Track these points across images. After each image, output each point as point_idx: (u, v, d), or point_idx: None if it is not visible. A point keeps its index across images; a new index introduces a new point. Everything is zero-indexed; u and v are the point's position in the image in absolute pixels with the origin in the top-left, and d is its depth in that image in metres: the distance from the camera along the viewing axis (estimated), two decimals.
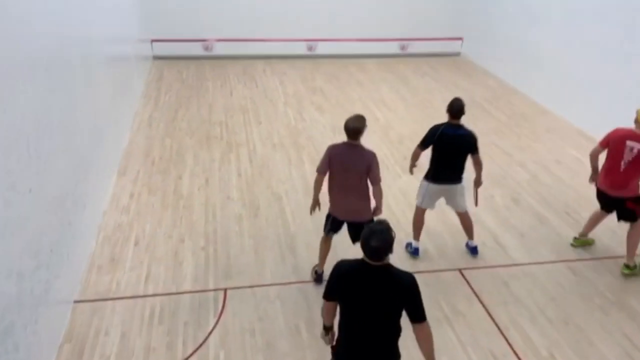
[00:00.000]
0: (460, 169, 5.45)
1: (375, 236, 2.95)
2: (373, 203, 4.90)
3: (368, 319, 3.11)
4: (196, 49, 12.69)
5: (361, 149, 4.72)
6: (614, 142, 5.37)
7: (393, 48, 13.56)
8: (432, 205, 5.66)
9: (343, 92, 10.88)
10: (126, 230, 6.06)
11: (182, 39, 12.48)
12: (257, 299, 5.11)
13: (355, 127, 4.63)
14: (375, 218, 4.57)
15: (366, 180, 4.75)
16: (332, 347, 3.46)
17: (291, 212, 6.55)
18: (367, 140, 9.13)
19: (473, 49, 13.45)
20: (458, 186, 5.51)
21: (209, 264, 5.56)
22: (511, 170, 7.81)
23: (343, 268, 3.18)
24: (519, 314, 5.03)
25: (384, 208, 4.99)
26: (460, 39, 13.78)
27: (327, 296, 3.31)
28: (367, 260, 3.02)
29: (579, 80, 9.41)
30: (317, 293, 5.19)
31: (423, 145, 5.44)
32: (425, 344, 3.15)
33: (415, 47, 13.62)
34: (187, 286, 5.24)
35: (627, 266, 5.58)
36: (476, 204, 5.84)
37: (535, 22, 10.71)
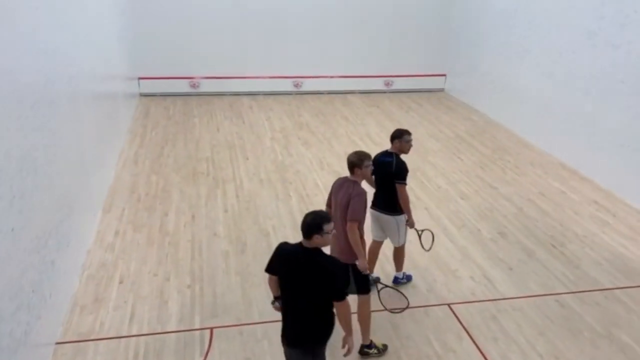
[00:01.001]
0: (387, 197, 5.34)
1: (311, 214, 3.58)
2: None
3: (300, 294, 3.61)
4: (183, 86, 12.80)
5: (352, 184, 4.54)
6: None
7: (378, 84, 13.80)
8: (378, 235, 5.64)
9: (329, 127, 10.98)
10: (110, 268, 5.96)
11: (169, 76, 12.60)
12: (244, 338, 5.02)
13: (349, 160, 4.60)
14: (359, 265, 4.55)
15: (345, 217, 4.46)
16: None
17: None
18: None
19: (456, 84, 13.73)
20: (387, 217, 5.41)
21: (194, 302, 5.47)
22: (497, 203, 7.86)
23: (283, 248, 3.73)
24: (509, 350, 4.98)
25: (371, 241, 4.94)
26: (443, 75, 14.07)
27: (267, 270, 3.79)
28: (303, 242, 3.57)
29: (559, 114, 9.61)
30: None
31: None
32: (343, 318, 3.66)
33: (400, 84, 13.88)
34: (172, 326, 5.13)
35: None
36: (424, 247, 5.76)
37: (515, 58, 10.99)
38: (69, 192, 5.62)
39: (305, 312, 3.64)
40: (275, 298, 3.88)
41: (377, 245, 5.71)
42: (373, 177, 5.29)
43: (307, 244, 3.57)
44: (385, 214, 5.44)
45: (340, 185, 4.65)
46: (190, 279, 5.85)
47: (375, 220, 5.58)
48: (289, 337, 3.76)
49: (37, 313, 4.35)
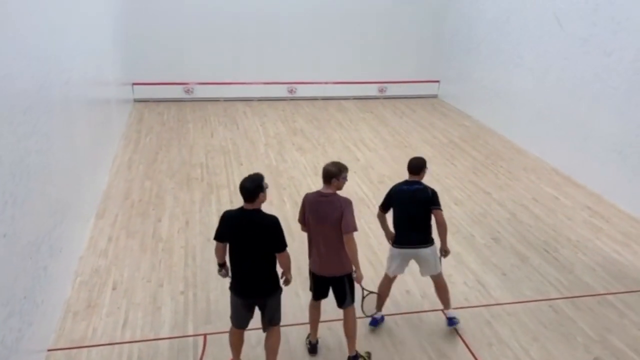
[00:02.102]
0: (422, 229, 4.95)
1: (248, 179, 4.03)
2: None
3: (246, 253, 4.10)
4: (177, 92, 12.79)
5: (334, 196, 4.42)
6: None
7: (372, 90, 13.84)
8: (400, 271, 5.18)
9: (323, 133, 10.99)
10: (104, 274, 5.93)
11: (163, 82, 12.59)
12: None
13: (328, 170, 4.40)
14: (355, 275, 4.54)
15: (340, 231, 4.36)
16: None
17: None
18: (348, 181, 9.17)
19: (449, 90, 13.79)
20: (426, 251, 4.98)
21: (188, 308, 5.45)
22: (491, 209, 7.89)
23: (227, 214, 4.20)
24: (503, 355, 4.99)
25: (366, 247, 4.93)
26: (436, 81, 14.13)
27: (217, 238, 4.21)
28: (244, 206, 4.05)
29: (552, 120, 9.67)
30: (300, 338, 5.10)
31: (383, 207, 5.08)
32: (284, 266, 4.31)
33: (394, 90, 13.93)
34: (165, 332, 5.11)
35: None
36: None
37: (508, 64, 11.06)
38: (62, 198, 5.59)
39: (253, 269, 4.15)
40: (220, 265, 4.37)
41: (391, 280, 5.25)
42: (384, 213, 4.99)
43: (249, 207, 4.06)
44: (424, 247, 4.96)
45: (319, 202, 4.41)
46: (184, 285, 5.82)
47: (403, 258, 5.07)
48: (237, 290, 4.27)
49: (29, 319, 4.32)
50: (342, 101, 13.43)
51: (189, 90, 12.85)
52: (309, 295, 5.66)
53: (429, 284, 6.01)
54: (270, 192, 8.08)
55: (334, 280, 4.60)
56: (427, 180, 8.67)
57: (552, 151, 9.69)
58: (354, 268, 4.51)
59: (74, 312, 5.29)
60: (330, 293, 4.74)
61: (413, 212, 4.93)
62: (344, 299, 4.63)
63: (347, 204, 4.38)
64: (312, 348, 4.93)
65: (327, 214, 4.37)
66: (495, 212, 7.81)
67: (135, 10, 11.83)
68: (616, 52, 8.21)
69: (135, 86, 12.47)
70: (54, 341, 4.90)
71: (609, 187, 8.33)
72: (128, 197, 7.80)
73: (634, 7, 7.90)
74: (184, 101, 12.77)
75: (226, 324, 5.20)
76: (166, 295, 5.64)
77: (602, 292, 6.00)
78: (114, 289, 5.69)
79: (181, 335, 5.08)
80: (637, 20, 7.84)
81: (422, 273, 5.18)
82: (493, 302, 5.76)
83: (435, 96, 14.23)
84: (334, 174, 4.38)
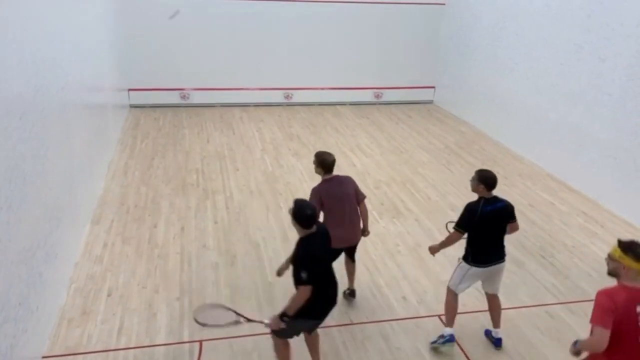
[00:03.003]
0: (501, 245, 4.99)
1: (308, 206, 4.16)
2: None
3: (329, 266, 4.39)
4: (173, 98, 12.78)
5: (340, 177, 5.31)
6: (624, 314, 3.43)
7: (368, 96, 13.87)
8: (465, 289, 5.14)
9: (320, 138, 11.00)
10: (99, 281, 5.90)
11: (159, 88, 12.58)
12: (234, 351, 4.98)
13: (334, 160, 5.28)
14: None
15: (355, 204, 5.28)
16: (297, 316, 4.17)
17: (269, 259, 6.47)
18: None
19: (445, 96, 13.84)
20: (503, 265, 5.04)
21: (184, 315, 5.42)
22: None
23: (317, 249, 4.18)
24: None
25: (362, 251, 5.08)
26: (432, 87, 14.18)
27: (311, 279, 4.08)
28: (312, 230, 4.13)
29: (547, 126, 9.71)
30: (295, 343, 5.08)
31: (463, 229, 4.92)
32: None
33: (390, 95, 13.96)
34: (161, 338, 5.08)
35: None
36: None
37: (503, 70, 11.11)
38: (57, 204, 5.57)
39: (335, 284, 4.43)
40: (297, 314, 4.24)
41: (456, 297, 5.16)
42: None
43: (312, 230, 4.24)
44: (502, 261, 5.02)
45: (339, 183, 5.24)
46: (180, 291, 5.80)
47: (480, 276, 5.04)
48: (321, 311, 4.33)
49: (23, 326, 4.29)
50: (338, 107, 13.46)
51: (185, 95, 12.85)
52: None
53: (424, 290, 6.02)
54: (266, 198, 8.09)
55: (352, 247, 5.47)
56: (423, 185, 8.78)
57: (548, 157, 9.72)
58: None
59: (68, 319, 5.26)
60: None
61: (498, 230, 4.92)
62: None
63: (351, 179, 5.42)
64: (352, 293, 5.68)
65: (349, 192, 5.24)
66: None
67: (131, 16, 11.83)
68: (610, 58, 8.26)
69: (131, 92, 12.46)
70: (48, 348, 4.87)
71: (604, 193, 8.37)
72: (124, 202, 7.77)
73: (627, 14, 7.96)
74: (180, 107, 12.76)
75: (222, 331, 5.18)
76: (162, 301, 5.62)
77: None
78: (109, 295, 5.67)
79: (177, 341, 5.05)
80: (630, 27, 7.90)
81: (491, 289, 5.16)
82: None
83: (431, 102, 14.28)
84: (335, 161, 5.33)
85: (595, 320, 3.47)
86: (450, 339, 5.03)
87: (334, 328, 5.29)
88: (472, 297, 5.91)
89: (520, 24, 10.53)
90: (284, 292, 5.84)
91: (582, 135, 8.86)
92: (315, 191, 5.15)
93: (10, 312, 4.04)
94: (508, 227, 4.96)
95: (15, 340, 4.09)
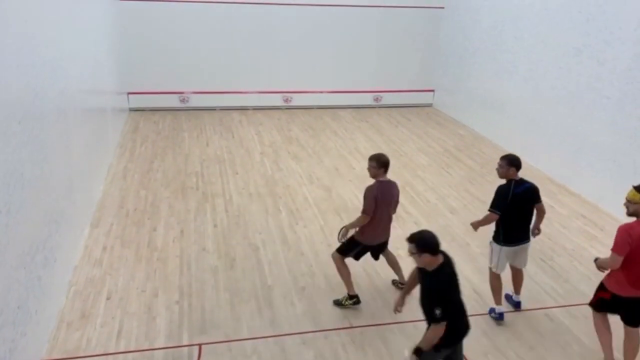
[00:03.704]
0: (530, 222, 5.49)
1: (429, 232, 3.96)
2: None
3: (459, 295, 4.07)
4: (172, 101, 12.79)
5: (391, 181, 5.57)
6: (638, 244, 4.53)
7: (367, 99, 13.88)
8: (505, 268, 5.60)
9: (319, 142, 11.01)
10: (98, 284, 5.90)
11: (159, 91, 12.59)
12: (233, 354, 4.97)
13: (388, 160, 5.46)
14: None
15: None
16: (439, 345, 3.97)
17: (268, 262, 6.47)
18: (344, 189, 9.19)
19: (444, 100, 13.85)
20: (528, 244, 5.55)
21: (183, 318, 5.42)
22: None
23: (448, 282, 3.94)
24: None
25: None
26: (431, 90, 14.20)
27: (445, 315, 3.85)
28: (440, 260, 3.92)
29: (546, 129, 9.72)
30: (295, 347, 5.08)
31: (499, 209, 5.31)
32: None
33: (389, 99, 13.98)
34: (160, 342, 5.07)
35: None
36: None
37: (502, 73, 11.12)
38: (56, 207, 5.57)
39: (463, 304, 4.17)
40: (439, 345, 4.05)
41: (499, 276, 5.61)
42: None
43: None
44: (528, 241, 5.54)
45: (390, 188, 5.51)
46: (179, 294, 5.79)
47: (511, 254, 5.53)
48: (459, 337, 4.14)
49: (22, 330, 4.28)
50: (338, 110, 13.47)
51: (184, 99, 12.86)
52: (304, 304, 5.69)
53: None
54: (266, 201, 8.09)
55: (385, 242, 5.79)
56: (422, 188, 8.79)
57: (547, 160, 9.73)
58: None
59: (68, 322, 5.25)
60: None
61: (527, 211, 5.43)
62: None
63: (398, 186, 5.69)
64: (358, 300, 5.65)
65: (395, 198, 5.60)
66: None
67: (130, 20, 11.85)
68: (609, 62, 8.28)
69: (130, 95, 12.47)
70: (47, 352, 4.86)
71: (604, 196, 8.37)
72: (123, 206, 7.77)
73: (626, 17, 7.97)
74: (180, 110, 12.77)
75: (222, 333, 5.20)
76: (161, 305, 5.61)
77: None
78: (108, 298, 5.66)
79: (176, 345, 5.05)
80: (629, 30, 7.92)
81: (518, 264, 5.67)
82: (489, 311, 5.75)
83: (430, 105, 14.29)
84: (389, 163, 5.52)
85: (614, 248, 4.60)
86: (500, 317, 5.55)
87: (334, 332, 5.29)
88: (471, 300, 5.91)
89: (520, 28, 10.54)
90: (283, 295, 5.85)
91: (582, 138, 8.87)
92: (370, 189, 5.37)
93: (9, 315, 4.03)
94: (536, 209, 5.47)
95: (14, 344, 4.09)
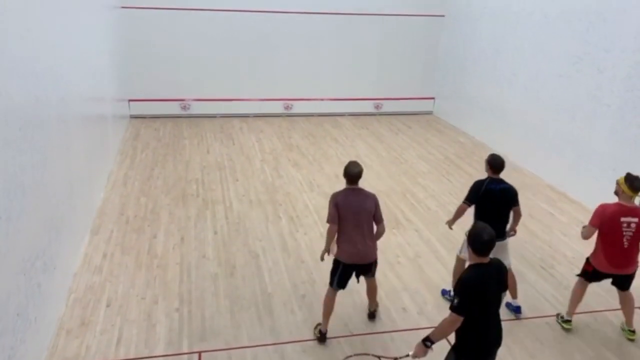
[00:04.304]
0: (505, 223, 5.60)
1: (486, 231, 3.64)
2: None
3: (493, 306, 3.82)
4: (173, 108, 12.81)
5: (364, 191, 5.09)
6: (609, 221, 5.15)
7: (368, 107, 13.91)
8: None
9: (319, 149, 11.02)
10: (98, 291, 5.88)
11: (160, 98, 12.62)
12: None
13: (359, 171, 5.03)
14: None
15: (372, 221, 5.07)
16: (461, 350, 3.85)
17: (268, 270, 6.46)
18: None
19: (444, 107, 13.88)
20: (504, 242, 5.57)
21: (183, 325, 5.40)
22: None
23: (480, 278, 3.66)
24: None
25: (378, 253, 5.24)
26: (432, 98, 14.23)
27: (463, 309, 3.66)
28: (483, 259, 3.66)
29: (546, 137, 9.73)
30: (295, 355, 5.06)
31: (469, 201, 5.56)
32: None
33: (389, 106, 14.01)
34: (160, 349, 5.05)
35: (632, 331, 5.50)
36: None
37: (502, 81, 11.15)
38: (56, 214, 5.57)
39: (498, 319, 3.94)
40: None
41: (464, 263, 5.70)
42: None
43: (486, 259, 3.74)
44: (503, 239, 5.57)
45: (359, 195, 5.05)
46: (179, 302, 5.78)
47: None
48: (494, 347, 3.97)
49: (21, 337, 4.27)
50: (338, 117, 13.49)
51: (185, 106, 12.89)
52: (304, 312, 5.66)
53: (425, 300, 6.00)
54: (266, 208, 8.09)
55: (366, 266, 5.21)
56: (423, 195, 8.78)
57: (547, 168, 9.73)
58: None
59: (67, 330, 5.24)
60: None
61: (503, 209, 5.56)
62: (373, 272, 5.37)
63: (375, 196, 5.15)
64: (322, 337, 5.22)
65: (367, 207, 5.03)
66: None
67: (132, 27, 11.90)
68: (609, 70, 8.30)
69: (131, 102, 12.50)
70: (46, 359, 4.84)
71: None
72: (123, 213, 7.77)
73: (625, 26, 8.00)
74: (180, 117, 12.80)
75: (222, 341, 5.18)
76: (161, 312, 5.59)
77: (599, 308, 5.99)
78: (108, 306, 5.65)
79: (176, 352, 5.03)
80: (629, 39, 7.94)
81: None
82: None
83: (430, 113, 14.32)
84: (362, 173, 5.08)
85: (590, 220, 5.30)
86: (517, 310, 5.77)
87: (334, 339, 5.27)
88: None
89: (520, 36, 10.58)
90: (284, 302, 5.83)
91: (582, 146, 8.87)
92: (333, 196, 5.06)
93: (9, 323, 4.02)
94: (512, 213, 5.59)
95: (13, 352, 4.07)
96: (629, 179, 5.19)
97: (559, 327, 5.66)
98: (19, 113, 4.54)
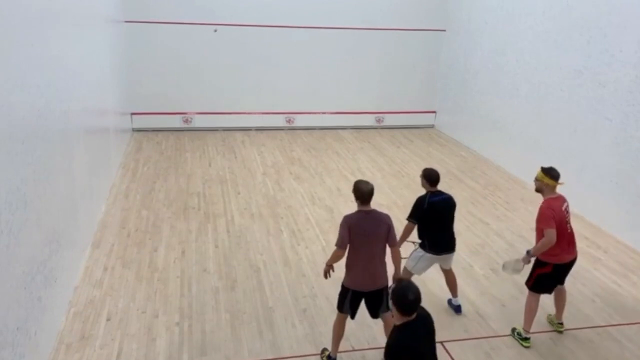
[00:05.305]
0: (452, 234, 5.74)
1: (411, 289, 3.36)
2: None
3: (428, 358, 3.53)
4: (175, 122, 12.86)
5: (378, 214, 4.78)
6: (559, 215, 5.31)
7: (369, 120, 13.95)
8: (423, 272, 5.81)
9: (321, 162, 11.03)
10: (98, 305, 5.86)
11: (162, 112, 12.68)
12: None
13: (371, 188, 4.72)
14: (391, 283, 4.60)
15: (385, 245, 4.77)
16: None
17: (269, 284, 6.43)
18: (346, 209, 9.16)
19: (446, 121, 13.91)
20: (453, 254, 5.82)
21: (183, 340, 5.37)
22: (489, 239, 7.86)
23: (410, 339, 3.38)
24: None
25: None
26: (433, 112, 14.26)
27: None
28: (409, 318, 3.38)
29: (548, 151, 9.72)
30: None
31: (415, 218, 5.59)
32: None
33: (391, 120, 14.04)
34: None
35: (561, 324, 5.79)
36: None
37: (504, 95, 11.18)
38: (58, 227, 5.56)
39: None
40: None
41: (410, 277, 5.79)
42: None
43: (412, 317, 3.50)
44: (453, 252, 5.79)
45: (372, 219, 4.71)
46: (179, 316, 5.75)
47: (436, 261, 5.77)
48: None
49: (21, 351, 4.24)
50: (340, 131, 13.52)
51: (187, 120, 12.94)
52: (305, 326, 5.63)
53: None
54: (267, 222, 8.07)
55: (377, 292, 4.80)
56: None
57: None
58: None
59: (67, 344, 5.21)
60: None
61: (446, 221, 5.66)
62: (386, 306, 4.84)
63: (389, 218, 4.80)
64: None
65: (380, 231, 4.69)
66: (493, 242, 7.79)
67: (134, 41, 11.99)
68: (610, 84, 8.32)
69: (134, 116, 12.55)
70: None
71: (606, 218, 8.33)
72: (124, 226, 7.76)
73: (626, 39, 8.04)
74: (183, 131, 12.84)
75: (222, 355, 5.14)
76: (161, 326, 5.56)
77: (602, 324, 5.94)
78: (108, 319, 5.62)
79: None
80: (630, 53, 7.97)
81: (446, 266, 5.93)
82: (492, 334, 5.69)
83: (432, 126, 14.34)
84: (373, 192, 4.74)
85: (545, 225, 5.21)
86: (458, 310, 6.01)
87: (362, 352, 5.23)
88: (474, 323, 5.85)
89: (521, 50, 10.63)
90: (285, 316, 5.80)
91: (583, 160, 8.86)
92: (345, 220, 4.70)
93: (8, 337, 4.00)
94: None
95: None
96: (547, 171, 5.52)
97: (561, 342, 5.61)
98: (22, 126, 4.56)
